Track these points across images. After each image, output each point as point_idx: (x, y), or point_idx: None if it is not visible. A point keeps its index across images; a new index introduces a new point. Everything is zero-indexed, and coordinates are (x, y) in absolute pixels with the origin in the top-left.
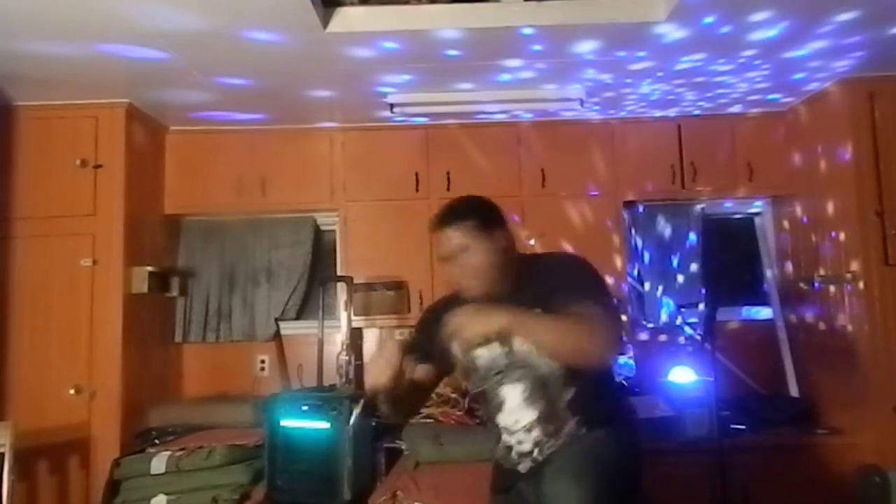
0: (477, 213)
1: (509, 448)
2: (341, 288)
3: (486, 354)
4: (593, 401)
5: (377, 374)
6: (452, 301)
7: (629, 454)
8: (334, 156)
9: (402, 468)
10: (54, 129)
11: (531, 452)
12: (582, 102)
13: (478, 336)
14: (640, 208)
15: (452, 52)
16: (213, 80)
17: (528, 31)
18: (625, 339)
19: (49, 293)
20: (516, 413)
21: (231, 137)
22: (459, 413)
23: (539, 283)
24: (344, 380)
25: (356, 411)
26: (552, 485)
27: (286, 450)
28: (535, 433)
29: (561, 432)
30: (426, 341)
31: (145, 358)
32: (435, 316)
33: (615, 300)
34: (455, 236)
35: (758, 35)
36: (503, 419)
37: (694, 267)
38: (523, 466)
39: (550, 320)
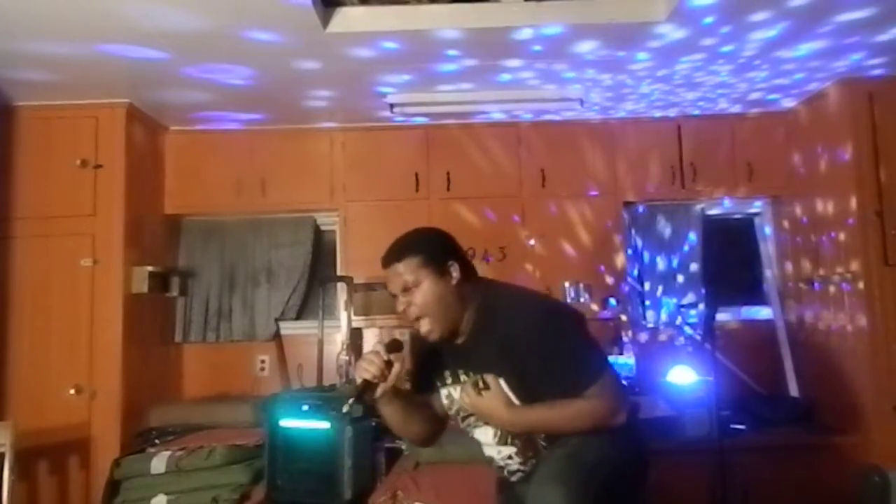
0: (424, 247)
1: (501, 468)
2: (341, 288)
3: (454, 393)
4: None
5: (365, 364)
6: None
7: (622, 455)
8: (334, 156)
9: (402, 468)
10: (54, 129)
11: (519, 470)
12: (582, 102)
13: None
14: (640, 208)
15: (452, 52)
16: (213, 81)
17: (528, 31)
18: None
19: (49, 293)
20: (494, 449)
21: (231, 137)
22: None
23: (498, 342)
24: (344, 380)
25: (350, 401)
26: (535, 488)
27: (286, 450)
28: (518, 459)
29: (541, 453)
30: (419, 370)
31: (145, 358)
32: (422, 354)
33: (585, 330)
34: (403, 272)
35: (758, 35)
36: (487, 451)
37: (694, 267)
38: (516, 478)
39: (553, 416)
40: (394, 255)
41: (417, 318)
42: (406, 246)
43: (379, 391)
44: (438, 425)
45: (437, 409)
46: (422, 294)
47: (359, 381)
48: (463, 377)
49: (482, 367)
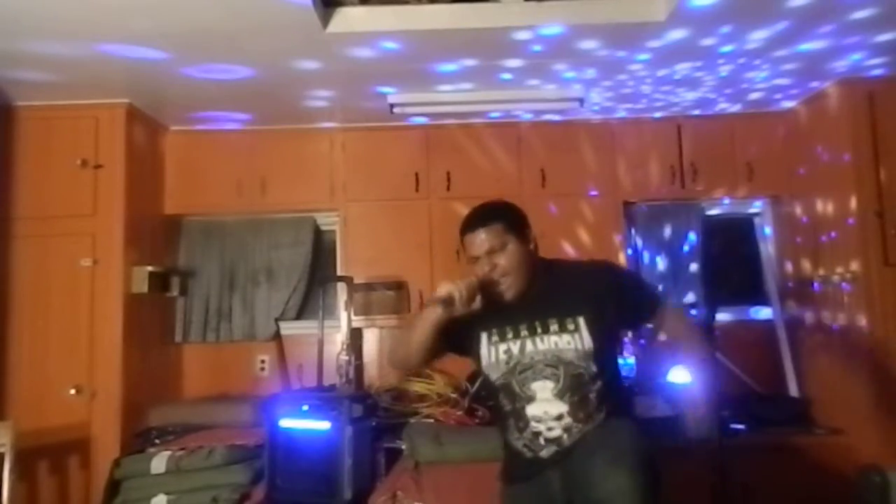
0: (508, 215)
1: (537, 434)
2: (341, 288)
3: (514, 348)
4: (616, 393)
5: (463, 286)
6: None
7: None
8: (334, 156)
9: (402, 468)
10: (54, 130)
11: (559, 438)
12: (582, 102)
13: None
14: (641, 208)
15: (452, 53)
16: (213, 81)
17: (528, 31)
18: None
19: (49, 293)
20: (547, 405)
21: (231, 137)
22: (459, 413)
23: (576, 285)
24: (344, 380)
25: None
26: (588, 464)
27: (286, 450)
28: (566, 420)
29: (590, 420)
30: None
31: (145, 358)
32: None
33: None
34: (489, 237)
35: (758, 35)
36: (532, 410)
37: (694, 267)
38: (547, 452)
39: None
40: (479, 220)
41: (502, 276)
42: (492, 212)
43: (450, 311)
44: (434, 356)
45: (473, 363)
46: (507, 256)
47: (444, 292)
48: (527, 330)
49: (558, 314)
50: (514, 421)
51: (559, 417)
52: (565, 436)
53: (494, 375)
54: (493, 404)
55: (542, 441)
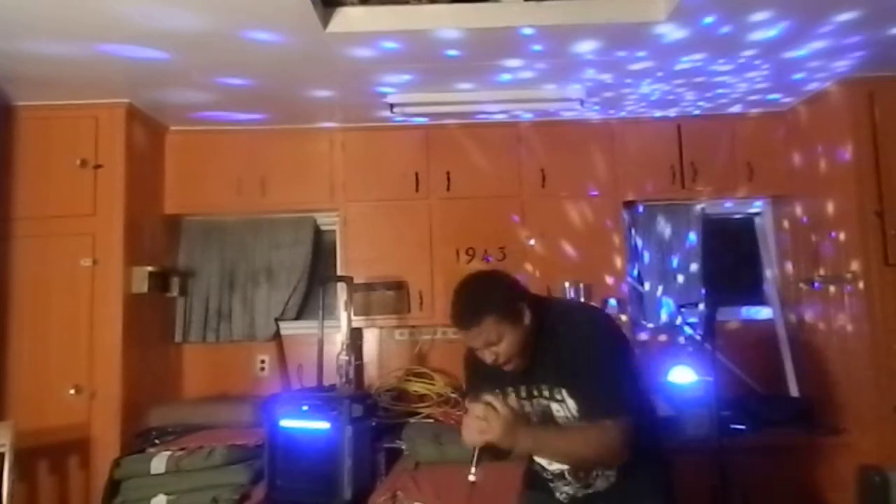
0: (496, 304)
1: (549, 481)
2: (341, 288)
3: (516, 407)
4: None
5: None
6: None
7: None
8: (334, 156)
9: (402, 468)
10: (54, 129)
11: (568, 492)
12: (582, 102)
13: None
14: (640, 208)
15: (452, 52)
16: (213, 80)
17: (528, 31)
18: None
19: (49, 293)
20: (546, 462)
21: (231, 137)
22: (459, 413)
23: (559, 355)
24: (344, 380)
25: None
26: None
27: (286, 450)
28: (569, 478)
29: (591, 478)
30: (476, 387)
31: (145, 358)
32: (475, 366)
33: (634, 362)
34: (484, 333)
35: (758, 35)
36: (538, 458)
37: (694, 267)
38: (563, 496)
39: (567, 442)
40: (469, 319)
41: (506, 363)
42: (479, 308)
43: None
44: None
45: None
46: (506, 345)
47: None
48: (525, 393)
49: (547, 382)
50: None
51: (561, 475)
52: (574, 490)
53: None
54: None
55: (551, 485)
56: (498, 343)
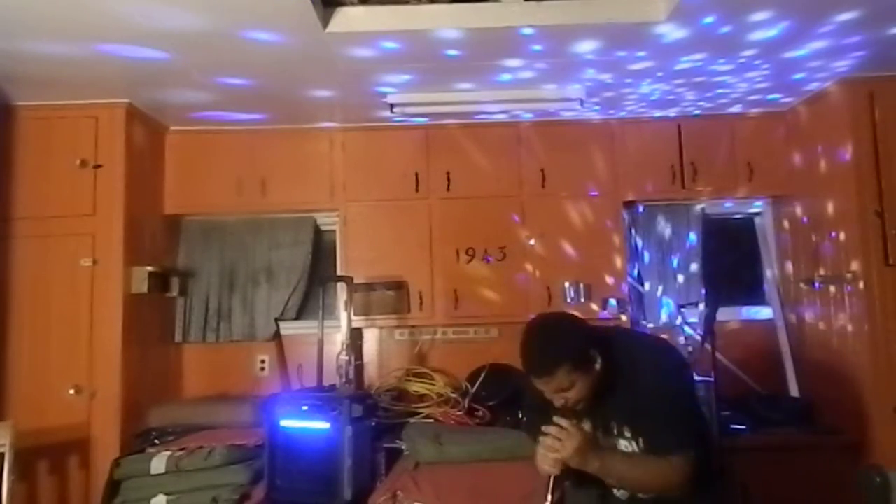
0: (570, 353)
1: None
2: (341, 288)
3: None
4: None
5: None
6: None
7: None
8: (334, 156)
9: (402, 468)
10: (54, 129)
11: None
12: (582, 102)
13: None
14: (640, 208)
15: (452, 52)
16: (213, 80)
17: (528, 31)
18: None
19: (49, 293)
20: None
21: (231, 137)
22: (459, 413)
23: (627, 395)
24: (344, 380)
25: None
26: None
27: (286, 450)
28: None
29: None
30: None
31: (145, 358)
32: (540, 408)
33: (697, 393)
34: (557, 382)
35: (758, 35)
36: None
37: (694, 267)
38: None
39: (633, 470)
40: (545, 369)
41: (575, 406)
42: (551, 357)
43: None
44: None
45: None
46: (577, 391)
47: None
48: (595, 429)
49: (616, 420)
50: None
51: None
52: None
53: None
54: None
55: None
56: (569, 389)
